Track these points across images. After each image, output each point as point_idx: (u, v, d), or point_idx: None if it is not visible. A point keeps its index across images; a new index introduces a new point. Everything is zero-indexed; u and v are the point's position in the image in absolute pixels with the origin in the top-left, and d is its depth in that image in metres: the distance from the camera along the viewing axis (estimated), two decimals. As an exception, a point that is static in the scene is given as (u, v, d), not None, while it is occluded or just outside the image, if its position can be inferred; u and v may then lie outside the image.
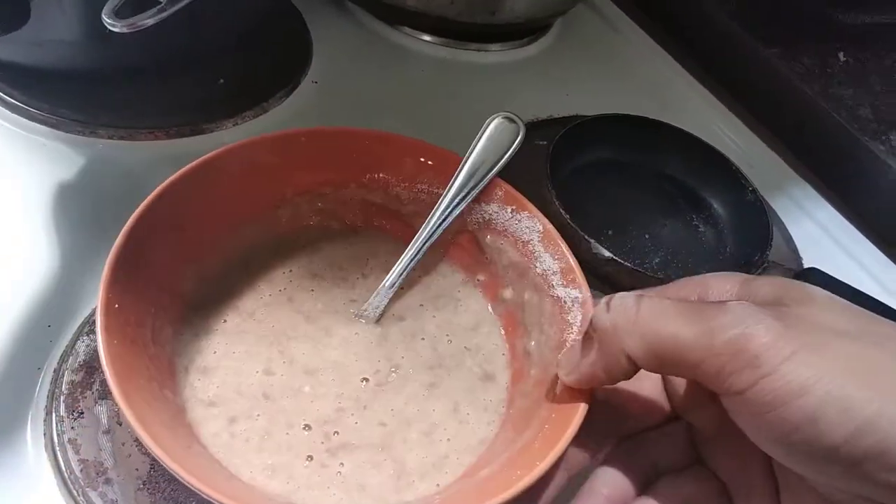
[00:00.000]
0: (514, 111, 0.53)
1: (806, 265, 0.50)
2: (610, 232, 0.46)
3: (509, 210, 0.36)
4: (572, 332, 0.32)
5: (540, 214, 0.35)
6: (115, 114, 0.44)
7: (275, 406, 0.30)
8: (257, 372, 0.31)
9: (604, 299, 0.26)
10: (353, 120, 0.50)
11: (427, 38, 0.57)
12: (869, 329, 0.23)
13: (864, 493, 0.22)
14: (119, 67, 0.44)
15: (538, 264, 0.35)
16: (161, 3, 0.38)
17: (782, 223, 0.51)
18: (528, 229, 0.35)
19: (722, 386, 0.23)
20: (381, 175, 0.36)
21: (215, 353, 0.32)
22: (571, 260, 0.34)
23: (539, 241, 0.35)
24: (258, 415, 0.29)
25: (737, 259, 0.46)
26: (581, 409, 0.28)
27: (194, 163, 0.31)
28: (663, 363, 0.24)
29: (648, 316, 0.24)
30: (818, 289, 0.25)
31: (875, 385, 0.21)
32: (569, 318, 0.32)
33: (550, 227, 0.35)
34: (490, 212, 0.36)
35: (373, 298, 0.34)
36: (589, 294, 0.33)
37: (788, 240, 0.50)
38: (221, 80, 0.47)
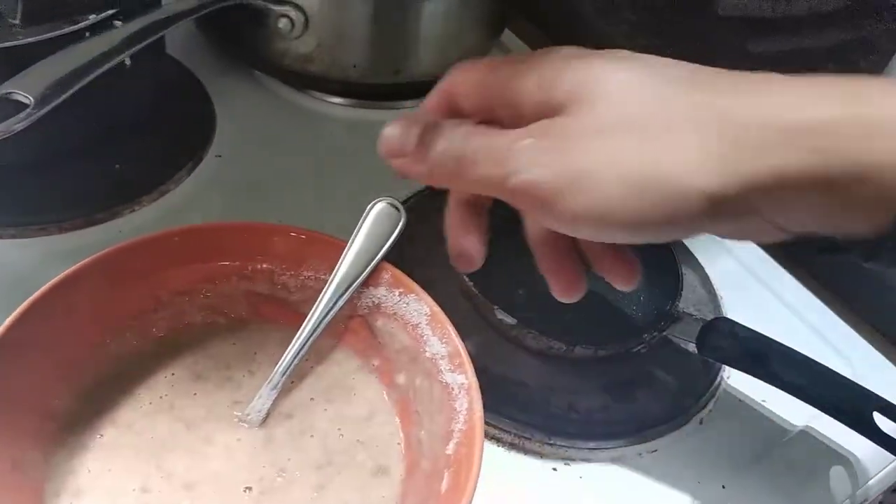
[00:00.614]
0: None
1: (725, 300, 0.50)
2: (521, 292, 0.45)
3: (397, 293, 0.35)
4: (458, 422, 0.31)
5: (427, 297, 0.35)
6: (2, 211, 0.43)
7: (149, 529, 0.29)
8: (133, 490, 0.30)
9: (421, 131, 0.27)
10: (259, 192, 0.49)
11: (336, 100, 0.57)
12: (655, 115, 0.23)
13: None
14: (3, 165, 0.43)
15: (427, 348, 0.34)
16: (28, 105, 0.37)
17: (699, 264, 0.51)
18: (417, 312, 0.35)
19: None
20: (264, 265, 0.36)
21: (89, 472, 0.30)
22: (458, 344, 0.33)
23: (427, 325, 0.34)
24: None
25: (649, 309, 0.45)
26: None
27: (53, 281, 0.30)
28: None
29: (469, 165, 0.26)
30: (608, 69, 0.25)
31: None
32: (455, 405, 0.32)
33: (437, 309, 0.34)
34: (379, 296, 0.36)
35: (255, 401, 0.33)
36: (475, 380, 0.32)
37: (705, 280, 0.50)
38: (117, 166, 0.47)
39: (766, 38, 0.64)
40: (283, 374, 0.33)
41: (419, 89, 0.59)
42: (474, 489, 0.28)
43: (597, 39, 0.66)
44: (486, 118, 0.27)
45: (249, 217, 0.41)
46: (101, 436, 0.32)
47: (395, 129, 0.28)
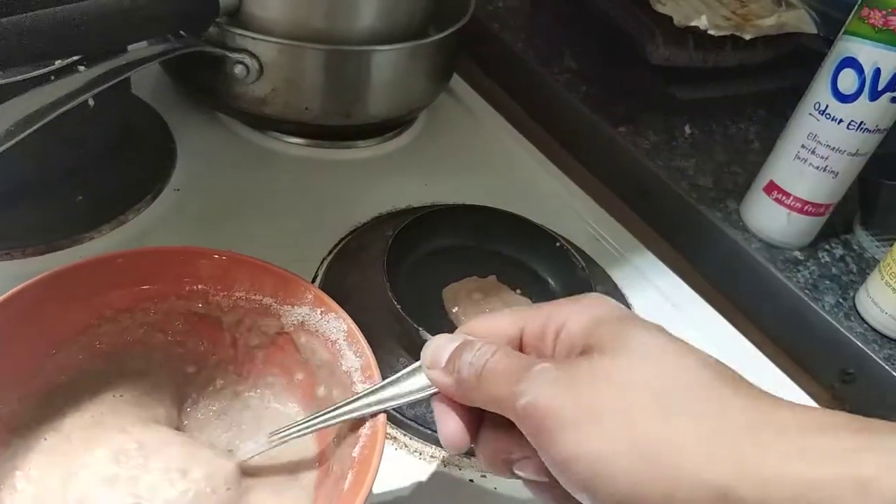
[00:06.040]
0: (374, 202, 0.57)
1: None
2: (447, 314, 0.49)
3: (318, 312, 0.39)
4: (365, 427, 0.34)
5: (345, 315, 0.38)
6: (-31, 238, 0.46)
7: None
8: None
9: (455, 347, 0.30)
10: (213, 225, 0.53)
11: (291, 139, 0.61)
12: (676, 387, 0.24)
13: None
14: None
15: (343, 362, 0.37)
16: (-6, 137, 0.41)
17: (623, 295, 0.55)
18: (336, 329, 0.38)
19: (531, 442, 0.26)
20: (199, 286, 0.39)
21: (31, 471, 0.33)
22: (370, 357, 0.36)
23: (344, 340, 0.38)
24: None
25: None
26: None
27: (1, 298, 0.34)
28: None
29: (487, 381, 0.28)
30: (640, 331, 0.26)
31: (641, 462, 0.23)
32: (364, 413, 0.35)
33: (353, 326, 0.38)
34: (303, 314, 0.39)
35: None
36: (382, 387, 0.35)
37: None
38: (80, 197, 0.50)
39: (688, 88, 0.69)
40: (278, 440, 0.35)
41: (369, 130, 0.64)
42: (371, 485, 0.31)
43: (540, 87, 0.71)
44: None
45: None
46: (45, 439, 0.35)
47: (435, 341, 0.31)
